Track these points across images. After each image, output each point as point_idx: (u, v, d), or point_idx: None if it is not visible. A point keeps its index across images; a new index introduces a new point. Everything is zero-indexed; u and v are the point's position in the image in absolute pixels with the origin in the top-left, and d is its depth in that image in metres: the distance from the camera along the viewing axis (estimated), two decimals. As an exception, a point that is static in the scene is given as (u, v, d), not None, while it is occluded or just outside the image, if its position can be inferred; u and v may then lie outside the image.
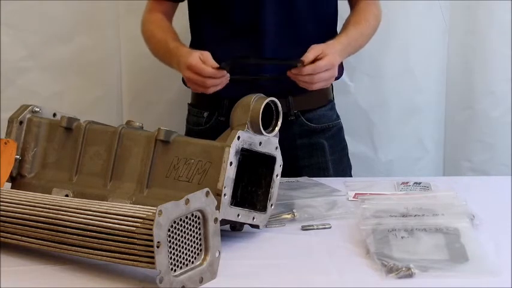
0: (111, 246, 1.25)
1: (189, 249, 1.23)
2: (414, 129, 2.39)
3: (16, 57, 2.32)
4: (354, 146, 2.38)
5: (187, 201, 1.21)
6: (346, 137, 2.37)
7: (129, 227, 1.22)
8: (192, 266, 1.24)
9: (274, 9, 1.76)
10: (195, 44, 1.88)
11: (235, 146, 1.37)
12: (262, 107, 1.41)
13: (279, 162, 1.46)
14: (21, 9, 2.30)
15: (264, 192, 1.45)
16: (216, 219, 1.26)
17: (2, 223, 1.38)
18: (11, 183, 1.59)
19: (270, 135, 1.44)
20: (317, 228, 1.49)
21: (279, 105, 1.46)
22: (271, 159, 1.45)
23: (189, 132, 1.93)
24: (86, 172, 1.52)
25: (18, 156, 1.59)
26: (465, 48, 2.36)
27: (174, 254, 1.21)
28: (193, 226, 1.24)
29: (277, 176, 1.46)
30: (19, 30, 2.31)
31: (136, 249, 1.21)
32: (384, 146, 2.39)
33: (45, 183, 1.55)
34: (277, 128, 1.45)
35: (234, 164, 1.37)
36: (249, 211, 1.42)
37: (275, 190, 1.46)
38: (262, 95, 1.44)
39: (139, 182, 1.46)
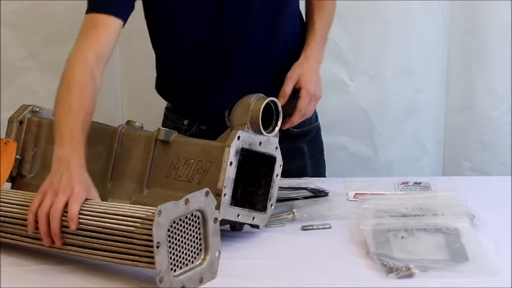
0: (110, 246, 1.25)
1: (188, 249, 1.23)
2: (414, 129, 2.39)
3: (16, 57, 2.32)
4: (354, 146, 2.39)
5: (186, 201, 1.21)
6: (347, 137, 2.38)
7: (128, 227, 1.22)
8: (192, 265, 1.24)
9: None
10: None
11: (235, 146, 1.37)
12: (262, 107, 1.41)
13: (279, 162, 1.46)
14: (21, 9, 2.30)
15: (264, 192, 1.45)
16: (215, 219, 1.26)
17: (1, 223, 1.38)
18: (11, 183, 1.59)
19: (270, 135, 1.44)
20: (317, 228, 1.49)
21: (279, 105, 1.46)
22: (271, 159, 1.45)
23: None
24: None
25: (18, 156, 1.59)
26: (465, 48, 2.36)
27: (173, 254, 1.20)
28: (193, 226, 1.24)
29: (277, 176, 1.46)
30: (19, 30, 2.31)
31: (136, 250, 1.21)
32: (384, 146, 2.39)
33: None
34: (277, 128, 1.45)
35: (234, 164, 1.37)
36: (249, 211, 1.42)
37: (275, 190, 1.46)
38: (262, 95, 1.44)
39: (139, 182, 1.46)
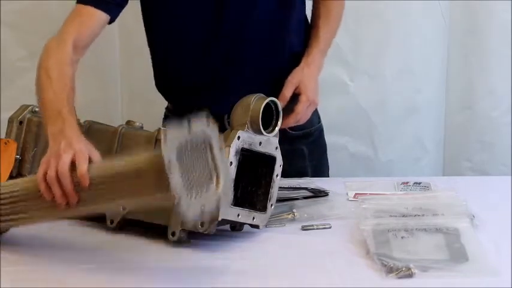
0: (124, 189, 1.24)
1: (200, 178, 1.21)
2: (414, 129, 2.39)
3: (16, 57, 2.32)
4: (354, 146, 2.39)
5: (188, 126, 1.20)
6: (346, 137, 2.38)
7: (138, 165, 1.22)
8: (207, 194, 1.22)
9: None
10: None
11: (235, 146, 1.37)
12: (262, 107, 1.41)
13: (279, 162, 1.46)
14: (21, 9, 2.30)
15: (264, 192, 1.45)
16: (221, 147, 1.24)
17: (9, 204, 1.37)
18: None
19: (270, 135, 1.44)
20: (317, 228, 1.49)
21: (279, 105, 1.46)
22: (271, 159, 1.45)
23: None
24: (86, 172, 1.52)
25: (18, 156, 1.59)
26: (465, 48, 2.36)
27: (186, 180, 1.18)
28: (200, 154, 1.21)
29: (277, 176, 1.46)
30: (19, 30, 2.31)
31: (150, 183, 1.20)
32: (384, 146, 2.39)
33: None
34: (277, 128, 1.45)
35: (234, 164, 1.37)
36: (249, 211, 1.42)
37: (275, 190, 1.46)
38: (262, 95, 1.44)
39: (139, 182, 1.46)
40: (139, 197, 1.23)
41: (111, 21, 1.64)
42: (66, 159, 1.30)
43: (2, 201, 1.38)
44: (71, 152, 1.31)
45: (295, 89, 1.65)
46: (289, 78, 1.67)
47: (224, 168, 1.24)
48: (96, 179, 1.28)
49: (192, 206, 1.18)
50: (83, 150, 1.32)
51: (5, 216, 1.38)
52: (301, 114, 1.65)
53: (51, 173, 1.30)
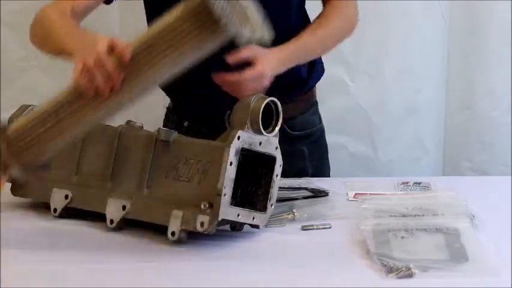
0: (166, 45, 1.22)
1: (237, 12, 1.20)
2: (414, 129, 2.40)
3: (16, 57, 2.33)
4: (354, 146, 2.39)
5: None
6: (347, 137, 2.38)
7: (172, 17, 1.21)
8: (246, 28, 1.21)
9: None
10: None
11: (235, 146, 1.37)
12: (262, 107, 1.41)
13: (279, 162, 1.46)
14: (21, 9, 2.30)
15: (264, 192, 1.45)
16: None
17: (54, 116, 1.34)
18: (11, 184, 1.59)
19: (270, 135, 1.44)
20: (317, 228, 1.49)
21: (279, 105, 1.46)
22: (271, 159, 1.45)
23: None
24: (86, 172, 1.52)
25: (18, 156, 1.59)
26: (465, 48, 2.37)
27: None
28: None
29: (277, 176, 1.46)
30: (19, 30, 2.31)
31: (192, 24, 1.20)
32: (384, 146, 2.39)
33: (45, 184, 1.55)
34: (277, 128, 1.45)
35: (234, 164, 1.37)
36: (249, 211, 1.42)
37: (275, 190, 1.46)
38: (262, 95, 1.44)
39: (139, 182, 1.46)
40: (184, 46, 1.21)
41: (108, 2, 1.68)
42: (102, 45, 1.27)
43: (39, 118, 1.35)
44: (104, 39, 1.29)
45: (253, 61, 1.54)
46: (251, 46, 1.54)
47: (253, 12, 1.24)
48: (135, 50, 1.25)
49: (242, 31, 1.18)
50: (116, 38, 1.29)
51: (45, 135, 1.34)
52: (243, 79, 1.52)
53: (90, 62, 1.27)
